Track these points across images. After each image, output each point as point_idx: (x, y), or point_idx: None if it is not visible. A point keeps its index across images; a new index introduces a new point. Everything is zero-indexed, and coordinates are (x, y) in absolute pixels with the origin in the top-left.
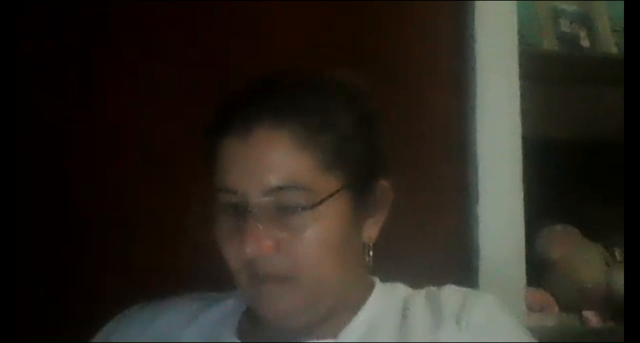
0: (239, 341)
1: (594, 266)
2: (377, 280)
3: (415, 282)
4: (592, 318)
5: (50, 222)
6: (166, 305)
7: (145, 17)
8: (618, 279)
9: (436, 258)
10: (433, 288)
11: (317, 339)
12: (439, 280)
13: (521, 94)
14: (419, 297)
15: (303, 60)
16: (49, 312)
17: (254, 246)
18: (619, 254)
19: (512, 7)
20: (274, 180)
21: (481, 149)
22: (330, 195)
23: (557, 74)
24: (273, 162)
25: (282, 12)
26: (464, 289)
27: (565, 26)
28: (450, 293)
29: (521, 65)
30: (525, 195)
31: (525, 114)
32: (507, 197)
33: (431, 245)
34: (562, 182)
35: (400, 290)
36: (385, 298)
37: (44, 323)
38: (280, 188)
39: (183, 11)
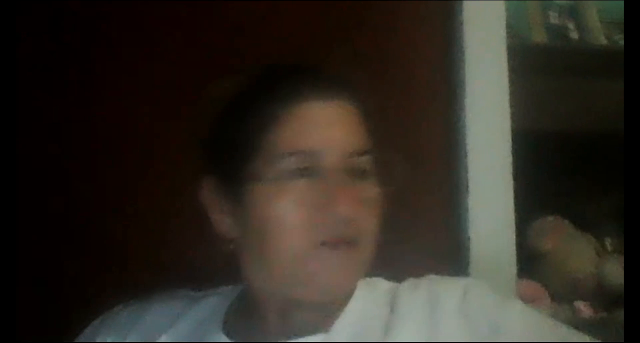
0: (228, 340)
1: (585, 257)
2: None
3: (406, 275)
4: (584, 309)
5: (50, 222)
6: (149, 305)
7: (145, 17)
8: (609, 270)
9: (427, 250)
10: (415, 280)
11: (309, 333)
12: (430, 272)
13: (510, 87)
14: (403, 289)
15: (303, 59)
16: (49, 312)
17: (349, 204)
18: (609, 244)
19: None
20: (353, 144)
21: (471, 141)
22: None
23: (547, 67)
24: (351, 128)
25: (283, 12)
26: (449, 278)
27: (554, 19)
28: (441, 283)
29: (510, 58)
30: (515, 187)
31: (514, 106)
32: (497, 189)
33: (422, 237)
34: (553, 174)
35: (382, 283)
36: (371, 293)
37: (44, 323)
38: (356, 153)
39: (183, 11)
